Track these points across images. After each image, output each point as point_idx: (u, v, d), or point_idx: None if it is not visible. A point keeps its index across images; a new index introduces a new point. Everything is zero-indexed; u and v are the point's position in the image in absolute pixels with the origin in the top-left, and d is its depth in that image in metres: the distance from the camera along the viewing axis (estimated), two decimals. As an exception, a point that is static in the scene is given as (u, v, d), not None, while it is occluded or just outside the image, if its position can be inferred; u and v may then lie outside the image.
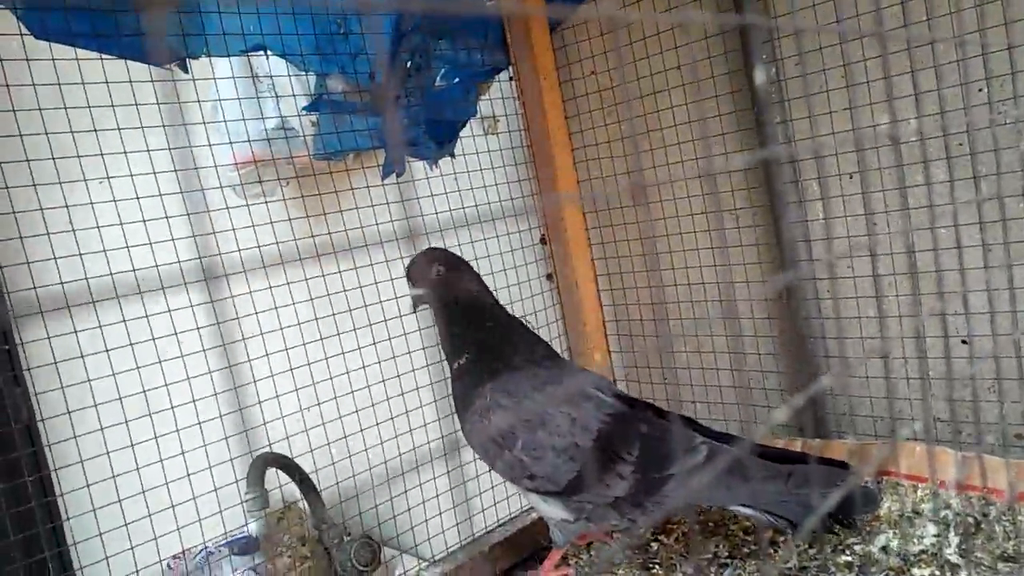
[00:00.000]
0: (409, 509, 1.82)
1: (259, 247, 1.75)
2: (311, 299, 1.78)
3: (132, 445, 1.50)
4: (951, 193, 1.52)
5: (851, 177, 1.69)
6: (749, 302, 1.91)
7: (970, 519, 1.36)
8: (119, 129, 1.48)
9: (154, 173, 1.53)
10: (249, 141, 1.84)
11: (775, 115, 1.74)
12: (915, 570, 1.32)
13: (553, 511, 1.46)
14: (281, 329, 1.74)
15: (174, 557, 2.11)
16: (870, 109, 1.60)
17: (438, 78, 1.99)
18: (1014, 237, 1.44)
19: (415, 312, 1.52)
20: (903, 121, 1.57)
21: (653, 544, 1.64)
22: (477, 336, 1.48)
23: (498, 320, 1.52)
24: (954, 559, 1.32)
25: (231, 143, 1.82)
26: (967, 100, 1.50)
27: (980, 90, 1.48)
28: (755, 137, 1.79)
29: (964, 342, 1.59)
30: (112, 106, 1.45)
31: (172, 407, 1.57)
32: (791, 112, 1.72)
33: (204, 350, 1.60)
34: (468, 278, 1.52)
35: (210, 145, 1.72)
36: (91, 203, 1.47)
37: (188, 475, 1.58)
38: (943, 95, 1.50)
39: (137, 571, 1.50)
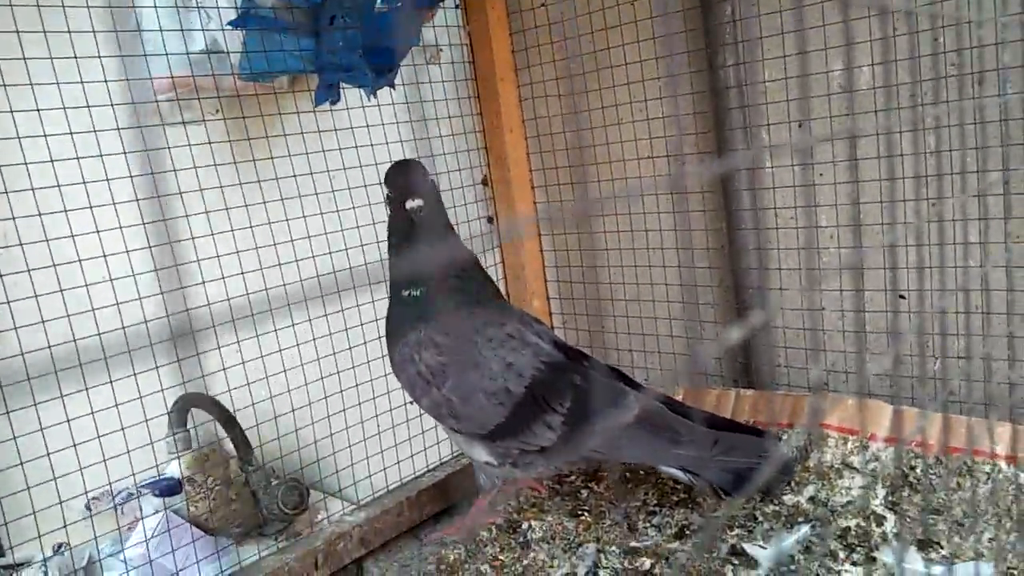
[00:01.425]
0: (335, 452, 1.75)
1: (195, 168, 1.62)
2: (251, 227, 1.66)
3: (56, 372, 1.38)
4: (899, 144, 1.49)
5: (800, 125, 1.64)
6: (690, 251, 1.87)
7: (899, 471, 1.36)
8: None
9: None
10: (189, 59, 1.71)
11: (728, 58, 1.68)
12: (841, 520, 1.32)
13: (478, 453, 1.42)
14: (218, 257, 1.63)
15: (94, 497, 2.02)
16: (824, 55, 1.55)
17: (379, 0, 1.87)
18: (964, 191, 1.42)
19: (415, 225, 1.37)
20: (856, 68, 1.53)
21: (583, 491, 1.62)
22: (434, 268, 1.40)
23: (457, 253, 1.44)
24: (880, 511, 1.32)
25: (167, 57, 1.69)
26: (918, 49, 1.46)
27: (936, 39, 1.44)
28: (707, 80, 1.73)
29: (902, 297, 1.58)
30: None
31: (99, 333, 1.46)
32: (744, 55, 1.66)
33: (134, 275, 1.49)
34: (439, 198, 1.43)
35: (145, 55, 1.58)
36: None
37: (116, 404, 1.47)
38: (897, 43, 1.46)
39: (61, 502, 1.41)
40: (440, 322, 1.38)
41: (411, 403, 1.61)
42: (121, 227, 1.47)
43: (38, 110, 1.39)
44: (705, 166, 1.80)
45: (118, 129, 1.47)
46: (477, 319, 1.41)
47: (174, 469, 2.21)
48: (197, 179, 1.62)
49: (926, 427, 1.38)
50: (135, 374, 1.46)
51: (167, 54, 1.59)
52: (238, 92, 1.72)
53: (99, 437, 1.46)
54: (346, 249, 1.75)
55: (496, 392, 1.36)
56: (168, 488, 2.24)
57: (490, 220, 2.19)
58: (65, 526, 1.46)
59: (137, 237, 1.49)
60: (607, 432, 1.34)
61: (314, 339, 1.73)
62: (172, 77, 1.71)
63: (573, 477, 1.68)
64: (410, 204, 1.35)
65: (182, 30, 1.63)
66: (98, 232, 1.46)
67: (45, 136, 1.40)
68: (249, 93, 1.71)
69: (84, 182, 1.45)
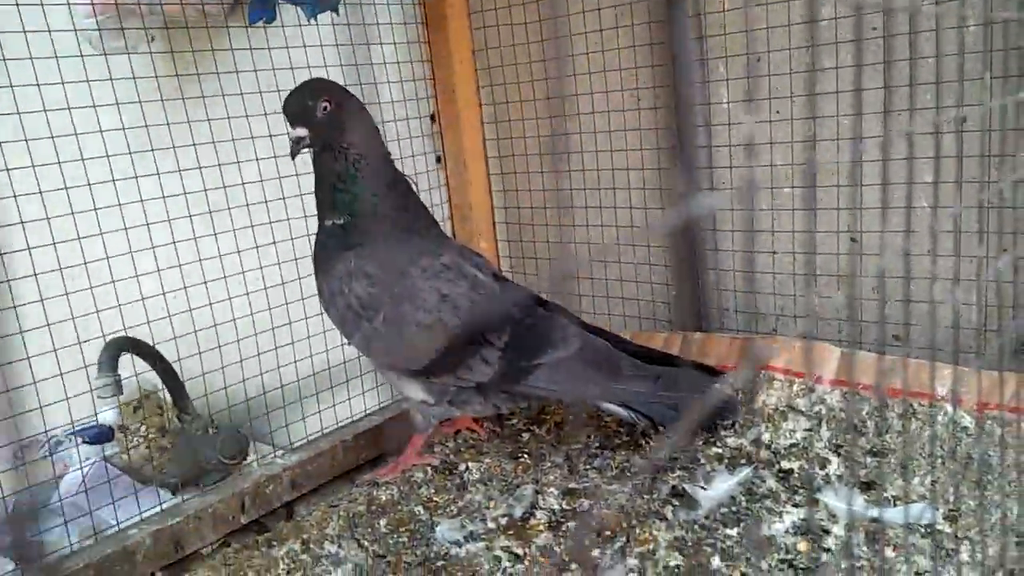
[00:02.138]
0: (265, 393, 1.67)
1: (118, 104, 1.50)
2: (179, 171, 1.55)
3: None
4: (857, 80, 1.44)
5: (759, 60, 1.58)
6: (643, 191, 1.81)
7: (843, 414, 1.33)
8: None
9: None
10: None
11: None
12: (784, 463, 1.29)
13: (412, 391, 1.35)
14: (142, 201, 1.52)
15: (24, 445, 1.91)
16: (785, -17, 1.48)
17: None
18: (919, 129, 1.38)
19: (294, 158, 1.32)
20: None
21: (524, 434, 1.57)
22: (362, 196, 1.31)
23: (386, 178, 1.35)
24: (824, 453, 1.29)
25: None
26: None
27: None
28: (664, 11, 1.65)
29: (853, 240, 1.55)
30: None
31: (7, 280, 1.34)
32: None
33: (48, 218, 1.37)
34: (360, 120, 1.33)
35: None
36: None
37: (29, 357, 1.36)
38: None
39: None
40: (371, 252, 1.30)
41: (347, 343, 1.54)
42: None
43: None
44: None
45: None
46: (411, 248, 1.33)
47: (107, 416, 2.11)
48: (120, 117, 1.50)
49: (872, 370, 1.35)
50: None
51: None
52: (163, 5, 1.60)
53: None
54: (279, 178, 1.64)
55: (430, 325, 1.29)
56: (98, 435, 2.13)
57: (438, 159, 2.10)
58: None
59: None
60: (546, 367, 1.28)
61: (243, 272, 1.63)
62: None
63: (515, 420, 1.62)
64: (292, 133, 1.27)
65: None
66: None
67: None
68: (175, 6, 1.58)
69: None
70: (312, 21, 1.75)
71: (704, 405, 1.21)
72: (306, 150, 1.32)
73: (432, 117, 2.06)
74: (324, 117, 1.27)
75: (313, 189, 1.40)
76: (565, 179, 1.90)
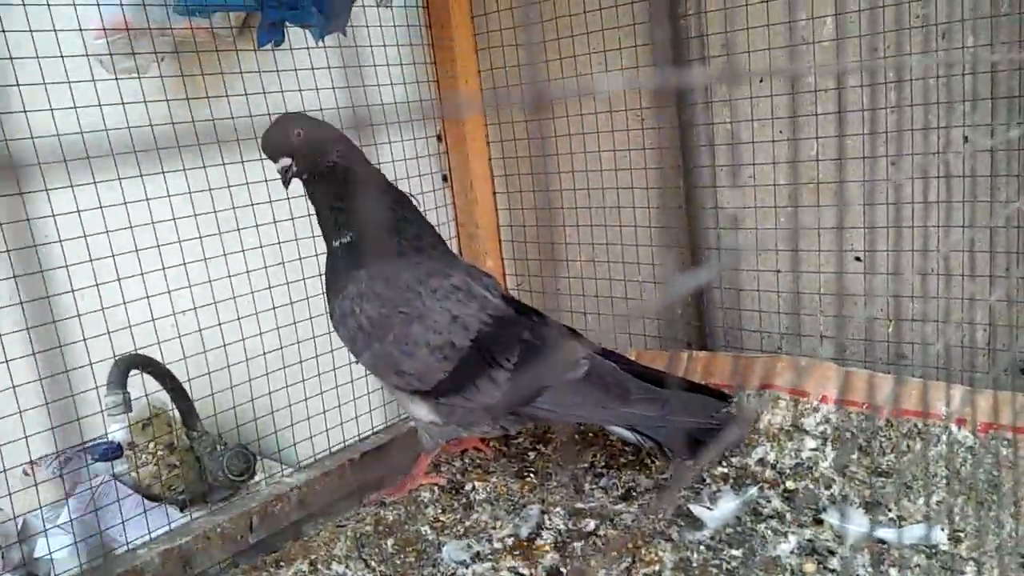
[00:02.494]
0: (273, 412, 1.68)
1: (128, 128, 1.53)
2: (189, 192, 1.58)
3: None
4: (862, 100, 1.45)
5: (761, 80, 1.59)
6: (647, 210, 1.82)
7: (848, 434, 1.33)
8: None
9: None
10: (121, 4, 1.61)
11: (689, 6, 1.62)
12: (789, 483, 1.29)
13: (421, 412, 1.36)
14: (152, 224, 1.54)
15: (31, 463, 1.93)
16: (786, 3, 1.50)
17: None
18: (920, 149, 1.38)
19: (287, 186, 1.35)
20: (819, 19, 1.47)
21: (530, 453, 1.57)
22: (360, 211, 1.33)
23: (382, 194, 1.37)
24: (829, 473, 1.29)
25: (99, 5, 1.59)
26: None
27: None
28: (667, 31, 1.67)
29: (857, 259, 1.55)
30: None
31: (21, 302, 1.36)
32: (705, 3, 1.60)
33: (60, 240, 1.39)
34: (338, 139, 1.34)
35: (74, 4, 1.47)
36: None
37: (40, 379, 1.37)
38: (863, -7, 1.41)
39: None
40: (381, 272, 1.32)
41: (355, 362, 1.55)
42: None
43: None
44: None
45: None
46: (421, 269, 1.34)
47: (116, 433, 2.13)
48: (131, 141, 1.52)
49: (876, 389, 1.35)
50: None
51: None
52: (173, 31, 1.63)
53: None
54: (288, 198, 1.66)
55: (441, 346, 1.30)
56: (107, 452, 2.15)
57: (445, 179, 2.11)
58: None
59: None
60: (555, 389, 1.29)
61: (252, 292, 1.65)
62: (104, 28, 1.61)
63: (521, 439, 1.63)
64: (277, 166, 1.30)
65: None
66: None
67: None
68: (184, 31, 1.61)
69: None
70: (320, 43, 1.77)
71: (729, 438, 1.23)
72: (297, 178, 1.35)
73: (438, 137, 2.08)
74: (300, 142, 1.30)
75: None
76: (558, 197, 1.92)
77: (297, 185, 1.46)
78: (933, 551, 1.09)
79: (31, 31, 1.37)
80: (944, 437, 1.27)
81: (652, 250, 1.82)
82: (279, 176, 1.32)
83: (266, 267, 1.67)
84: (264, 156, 1.34)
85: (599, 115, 1.81)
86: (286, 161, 1.30)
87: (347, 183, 1.33)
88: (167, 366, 1.69)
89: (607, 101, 1.80)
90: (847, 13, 1.43)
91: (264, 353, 1.66)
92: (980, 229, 1.39)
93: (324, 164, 1.31)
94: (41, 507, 1.62)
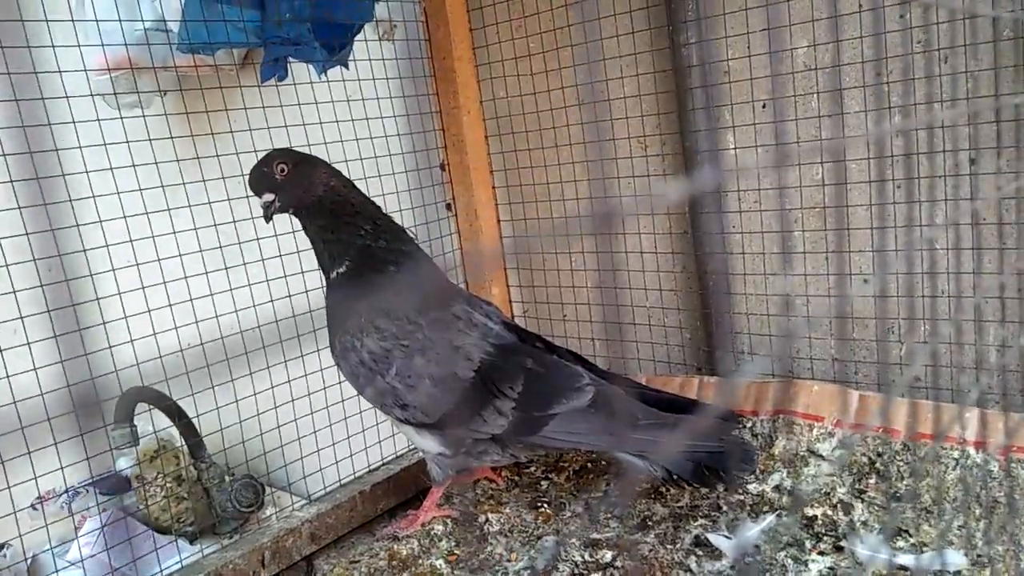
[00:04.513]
0: (282, 445, 1.67)
1: (134, 167, 1.53)
2: (195, 228, 1.58)
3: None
4: (864, 124, 1.46)
5: (764, 106, 1.60)
6: (653, 236, 1.82)
7: (865, 458, 1.32)
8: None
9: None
10: (126, 45, 1.62)
11: (690, 35, 1.63)
12: (807, 509, 1.28)
13: (428, 444, 1.35)
14: (159, 260, 1.54)
15: (39, 498, 1.92)
16: (788, 31, 1.51)
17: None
18: (926, 172, 1.39)
19: (269, 222, 1.37)
20: (822, 45, 1.49)
21: (543, 482, 1.56)
22: (352, 241, 1.34)
23: (374, 224, 1.36)
24: (847, 498, 1.28)
25: (103, 45, 1.60)
26: (885, 26, 1.42)
27: (901, 16, 1.41)
28: (668, 60, 1.68)
29: (865, 281, 1.55)
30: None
31: (28, 343, 1.36)
32: (706, 32, 1.62)
33: (67, 280, 1.38)
34: (324, 172, 1.36)
35: (79, 46, 1.48)
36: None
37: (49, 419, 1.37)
38: (863, 19, 1.42)
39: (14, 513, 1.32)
40: (380, 304, 1.31)
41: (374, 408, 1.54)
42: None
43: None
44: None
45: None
46: (421, 299, 1.34)
47: (120, 465, 2.11)
48: (136, 178, 1.53)
49: (891, 413, 1.35)
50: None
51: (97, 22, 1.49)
52: (176, 68, 1.64)
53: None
54: (293, 232, 1.66)
55: (444, 378, 1.29)
56: (114, 486, 2.13)
57: (448, 207, 2.12)
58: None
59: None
60: (561, 416, 1.28)
61: (259, 326, 1.64)
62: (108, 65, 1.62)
63: (533, 468, 1.62)
64: (261, 202, 1.33)
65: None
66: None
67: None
68: (187, 67, 1.62)
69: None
70: (323, 77, 1.78)
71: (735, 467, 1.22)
72: (281, 213, 1.37)
73: (441, 166, 2.09)
74: (284, 180, 1.32)
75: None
76: (563, 225, 1.92)
77: (288, 220, 1.48)
78: (956, 577, 1.08)
79: (35, 72, 1.36)
80: (965, 461, 1.27)
81: (659, 275, 1.82)
82: (264, 211, 1.34)
83: (272, 300, 1.66)
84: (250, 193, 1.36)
85: (603, 143, 1.82)
86: (269, 197, 1.33)
87: (336, 215, 1.34)
88: (174, 400, 1.68)
89: (610, 129, 1.81)
90: (848, 40, 1.44)
91: (272, 387, 1.66)
92: (988, 250, 1.40)
93: (309, 198, 1.32)
94: (53, 545, 1.61)
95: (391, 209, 1.80)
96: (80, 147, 1.43)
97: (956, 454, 1.27)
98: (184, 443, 1.84)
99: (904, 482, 1.27)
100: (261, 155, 1.63)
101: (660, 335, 1.86)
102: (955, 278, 1.28)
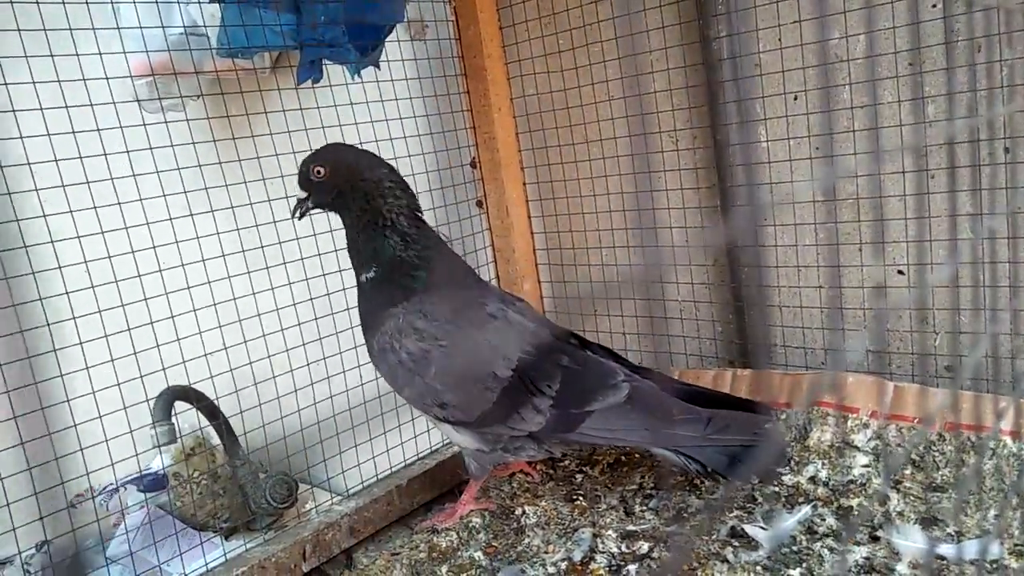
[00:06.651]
0: (322, 441, 1.71)
1: (179, 170, 1.57)
2: (237, 229, 1.61)
3: (36, 383, 1.32)
4: (898, 115, 1.45)
5: (795, 98, 1.60)
6: (684, 229, 1.83)
7: (900, 449, 1.33)
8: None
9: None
10: (168, 50, 1.66)
11: (721, 29, 1.64)
12: (843, 500, 1.29)
13: (466, 441, 1.37)
14: (203, 261, 1.57)
15: (78, 495, 1.97)
16: (819, 23, 1.51)
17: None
18: (961, 162, 1.38)
19: (293, 216, 1.42)
20: (852, 36, 1.48)
21: (578, 476, 1.58)
22: (382, 250, 1.36)
23: (404, 236, 1.37)
24: (883, 489, 1.28)
25: (147, 52, 1.64)
26: (918, 15, 1.42)
27: (934, 6, 1.40)
28: (699, 54, 1.69)
29: (900, 272, 1.55)
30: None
31: (80, 343, 1.40)
32: (736, 25, 1.62)
33: (116, 281, 1.42)
34: (364, 179, 1.36)
35: (99, 54, 1.52)
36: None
37: (100, 416, 1.41)
38: (895, 8, 1.42)
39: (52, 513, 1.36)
40: (418, 306, 1.33)
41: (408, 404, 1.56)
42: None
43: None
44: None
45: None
46: (457, 300, 1.36)
47: (160, 463, 2.16)
48: (181, 180, 1.56)
49: (927, 403, 1.35)
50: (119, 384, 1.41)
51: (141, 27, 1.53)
52: (217, 71, 1.67)
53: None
54: (331, 231, 1.69)
55: (483, 377, 1.31)
56: (152, 483, 2.19)
57: (479, 204, 2.14)
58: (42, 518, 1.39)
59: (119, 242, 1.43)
60: (598, 413, 1.29)
61: (299, 324, 1.68)
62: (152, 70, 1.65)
63: (567, 461, 1.64)
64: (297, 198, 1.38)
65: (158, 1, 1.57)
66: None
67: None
68: (228, 70, 1.66)
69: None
70: (356, 78, 1.81)
71: (766, 457, 1.22)
72: (317, 211, 1.42)
73: (472, 163, 2.11)
74: (319, 182, 1.36)
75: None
76: (594, 220, 1.94)
77: (327, 218, 1.51)
78: (995, 566, 1.09)
79: (59, 80, 1.38)
80: (1000, 450, 1.26)
81: (691, 269, 1.83)
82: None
83: (312, 299, 1.70)
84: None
85: (632, 138, 1.83)
86: (301, 194, 1.37)
87: (366, 224, 1.36)
88: (211, 399, 1.72)
89: (640, 123, 1.82)
90: (880, 30, 1.44)
91: (312, 383, 1.69)
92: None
93: (340, 204, 1.35)
94: (103, 540, 1.65)
95: (423, 207, 1.83)
96: (104, 153, 1.44)
97: (992, 443, 1.27)
98: (220, 440, 1.89)
99: (940, 472, 1.27)
100: (303, 156, 1.66)
101: (692, 328, 1.87)
102: (991, 267, 1.27)
